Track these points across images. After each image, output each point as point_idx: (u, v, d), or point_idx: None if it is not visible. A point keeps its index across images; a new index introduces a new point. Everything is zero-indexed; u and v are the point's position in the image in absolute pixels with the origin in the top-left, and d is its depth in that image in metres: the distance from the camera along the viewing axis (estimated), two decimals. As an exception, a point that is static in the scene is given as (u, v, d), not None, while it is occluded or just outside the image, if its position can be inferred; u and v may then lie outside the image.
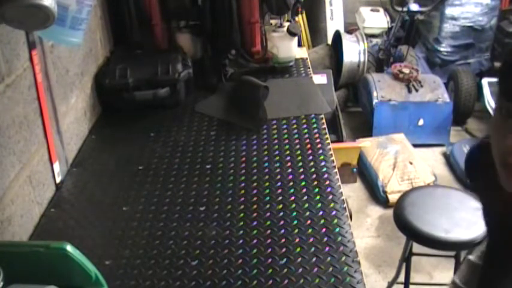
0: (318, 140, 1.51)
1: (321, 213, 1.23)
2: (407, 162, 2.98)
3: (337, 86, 3.62)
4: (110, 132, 1.64)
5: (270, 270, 1.08)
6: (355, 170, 3.06)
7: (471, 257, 1.01)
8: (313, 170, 1.38)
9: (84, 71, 1.61)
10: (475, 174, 0.95)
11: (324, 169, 1.38)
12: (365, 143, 3.12)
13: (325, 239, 1.15)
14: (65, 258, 0.75)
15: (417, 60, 3.82)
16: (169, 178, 1.38)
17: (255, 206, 1.27)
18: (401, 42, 3.75)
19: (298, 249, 1.13)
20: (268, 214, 1.24)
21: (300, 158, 1.43)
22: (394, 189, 2.87)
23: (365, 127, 3.43)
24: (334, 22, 4.04)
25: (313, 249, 1.13)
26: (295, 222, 1.21)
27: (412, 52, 3.79)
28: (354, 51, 3.69)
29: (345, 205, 1.26)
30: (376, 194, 2.96)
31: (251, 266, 1.10)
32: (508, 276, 0.80)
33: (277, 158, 1.44)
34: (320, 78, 1.98)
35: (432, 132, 3.38)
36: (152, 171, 1.41)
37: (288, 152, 1.46)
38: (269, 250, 1.14)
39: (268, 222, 1.21)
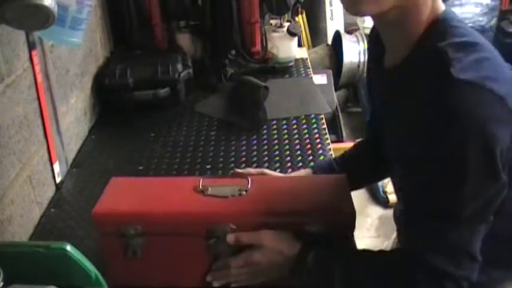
0: (318, 140, 1.51)
1: (321, 213, 1.23)
2: (407, 162, 2.98)
3: (337, 86, 3.61)
4: (110, 132, 1.64)
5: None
6: (355, 170, 3.05)
7: None
8: (313, 170, 1.38)
9: (84, 71, 1.61)
10: None
11: (324, 169, 1.38)
12: (365, 143, 3.12)
13: (325, 239, 1.15)
14: (65, 258, 0.75)
15: (417, 60, 3.82)
16: (169, 178, 1.38)
17: (255, 206, 1.27)
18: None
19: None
20: (268, 214, 1.24)
21: (300, 158, 1.43)
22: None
23: (365, 127, 3.43)
24: (334, 22, 4.03)
25: (313, 249, 1.13)
26: (295, 222, 1.21)
27: (412, 52, 3.79)
28: (354, 51, 3.69)
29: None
30: (376, 194, 2.96)
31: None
32: None
33: (277, 158, 1.44)
34: (320, 78, 1.99)
35: (432, 132, 3.38)
36: (152, 171, 1.41)
37: (288, 152, 1.46)
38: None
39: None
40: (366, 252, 0.95)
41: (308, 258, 0.90)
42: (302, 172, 1.24)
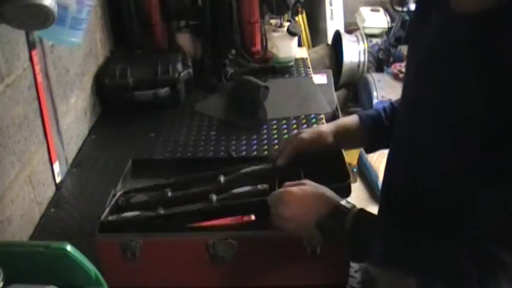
0: (318, 140, 1.51)
1: (321, 213, 1.23)
2: (407, 162, 2.97)
3: (337, 86, 3.61)
4: (109, 132, 1.64)
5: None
6: (355, 170, 3.06)
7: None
8: (313, 170, 1.38)
9: (84, 71, 1.61)
10: None
11: (324, 169, 1.38)
12: (365, 143, 3.11)
13: (325, 239, 1.15)
14: (65, 258, 0.75)
15: (417, 60, 3.81)
16: (169, 178, 1.38)
17: (255, 206, 1.27)
18: (401, 42, 3.75)
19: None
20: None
21: (300, 158, 1.43)
22: (394, 189, 2.86)
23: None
24: (334, 22, 4.03)
25: (313, 249, 1.13)
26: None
27: (412, 52, 3.78)
28: (354, 51, 3.69)
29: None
30: (376, 194, 2.96)
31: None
32: None
33: (277, 158, 1.44)
34: (320, 78, 1.98)
35: (432, 132, 3.37)
36: (152, 171, 1.41)
37: (288, 152, 1.46)
38: (269, 250, 1.14)
39: (268, 222, 1.21)
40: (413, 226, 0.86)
41: (346, 218, 0.84)
42: (348, 120, 1.13)
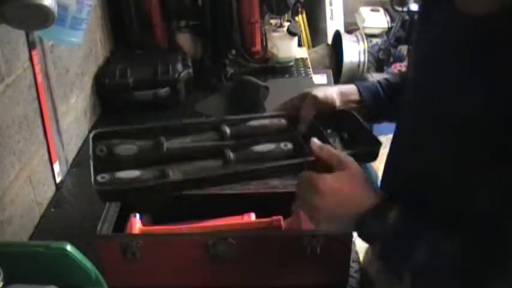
0: (318, 140, 1.50)
1: (321, 213, 1.22)
2: (407, 162, 2.97)
3: (337, 86, 3.61)
4: (110, 132, 1.64)
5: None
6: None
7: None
8: (313, 170, 1.38)
9: (84, 71, 1.61)
10: None
11: (324, 169, 1.38)
12: (365, 143, 3.11)
13: (325, 239, 1.15)
14: (65, 258, 0.75)
15: (417, 60, 3.81)
16: (169, 178, 1.38)
17: (255, 206, 1.27)
18: (401, 42, 3.75)
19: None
20: (268, 214, 1.24)
21: (300, 158, 1.43)
22: (394, 189, 2.86)
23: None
24: (334, 22, 4.03)
25: (313, 249, 1.13)
26: (295, 222, 1.21)
27: (412, 52, 3.78)
28: (354, 51, 3.69)
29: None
30: (376, 194, 2.95)
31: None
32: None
33: (277, 158, 1.44)
34: (320, 78, 1.99)
35: (432, 132, 3.37)
36: (152, 171, 1.41)
37: (288, 152, 1.46)
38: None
39: (268, 222, 1.21)
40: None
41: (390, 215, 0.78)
42: (348, 88, 1.08)
